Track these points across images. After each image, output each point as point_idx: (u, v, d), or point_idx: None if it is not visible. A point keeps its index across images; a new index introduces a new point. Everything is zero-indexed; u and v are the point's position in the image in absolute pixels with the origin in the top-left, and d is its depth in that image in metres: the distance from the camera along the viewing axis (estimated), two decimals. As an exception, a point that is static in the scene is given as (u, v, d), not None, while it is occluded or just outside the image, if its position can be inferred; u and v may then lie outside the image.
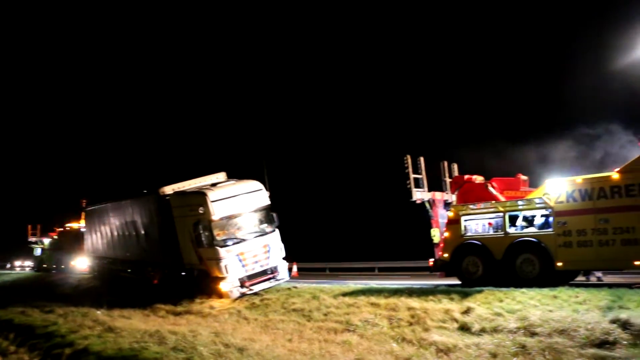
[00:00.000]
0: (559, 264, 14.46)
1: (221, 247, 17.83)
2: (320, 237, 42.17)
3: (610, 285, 13.56)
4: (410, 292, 14.33)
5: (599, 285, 14.22)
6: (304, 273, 30.28)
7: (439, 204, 17.84)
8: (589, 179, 14.37)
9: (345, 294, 15.34)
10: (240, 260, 18.00)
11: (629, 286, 13.45)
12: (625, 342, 8.47)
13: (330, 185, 50.86)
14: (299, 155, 54.81)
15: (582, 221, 14.18)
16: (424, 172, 17.84)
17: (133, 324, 14.59)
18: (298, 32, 78.08)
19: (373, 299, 13.95)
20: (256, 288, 18.12)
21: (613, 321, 9.19)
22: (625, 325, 8.91)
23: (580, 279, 16.70)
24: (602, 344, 8.61)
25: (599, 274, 16.85)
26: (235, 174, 21.25)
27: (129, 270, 24.25)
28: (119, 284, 24.39)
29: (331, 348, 10.51)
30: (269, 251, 18.76)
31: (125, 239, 23.84)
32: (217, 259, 17.72)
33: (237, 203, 18.57)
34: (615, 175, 13.90)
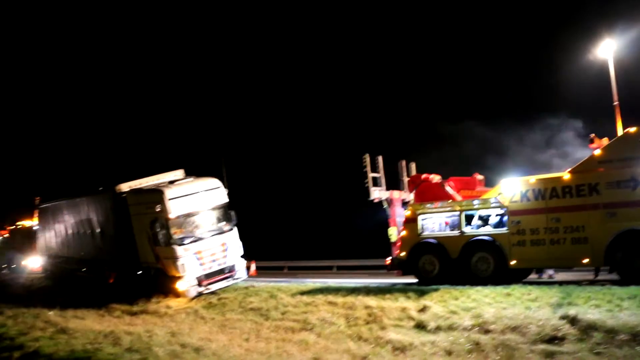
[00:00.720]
0: (513, 262, 14.77)
1: (178, 245, 17.63)
2: (279, 235, 42.06)
3: (560, 283, 13.93)
4: (368, 291, 14.44)
5: (550, 283, 14.59)
6: (262, 272, 30.09)
7: (396, 202, 18.01)
8: (542, 179, 14.72)
9: (303, 293, 15.37)
10: (197, 259, 17.84)
11: (578, 283, 13.86)
12: (573, 338, 8.72)
13: (289, 184, 50.82)
14: (257, 153, 54.61)
15: (535, 220, 14.52)
16: (382, 171, 18.01)
17: (87, 325, 14.34)
18: (257, 30, 77.76)
19: (331, 298, 14.02)
20: (214, 287, 17.99)
21: (562, 317, 9.44)
22: (573, 321, 9.17)
23: (533, 276, 17.10)
24: (552, 339, 8.85)
25: (550, 271, 17.27)
26: (194, 172, 21.09)
27: (84, 270, 23.80)
28: (73, 283, 23.91)
29: (288, 347, 10.52)
30: (227, 250, 18.64)
31: (79, 237, 23.40)
32: (174, 258, 17.53)
33: (195, 201, 18.40)
34: (566, 175, 14.28)
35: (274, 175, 51.93)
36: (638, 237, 13.15)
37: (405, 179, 18.85)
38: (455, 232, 15.93)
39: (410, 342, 9.89)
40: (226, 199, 19.43)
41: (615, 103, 19.98)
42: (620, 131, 18.07)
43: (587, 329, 8.81)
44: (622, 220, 13.36)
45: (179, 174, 20.96)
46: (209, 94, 72.28)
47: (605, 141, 14.77)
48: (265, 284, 18.53)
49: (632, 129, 13.82)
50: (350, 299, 13.58)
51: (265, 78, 72.11)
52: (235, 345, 10.98)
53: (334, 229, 40.85)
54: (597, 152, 14.14)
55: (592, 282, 14.20)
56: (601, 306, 10.23)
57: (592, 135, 15.13)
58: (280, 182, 51.21)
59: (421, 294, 13.36)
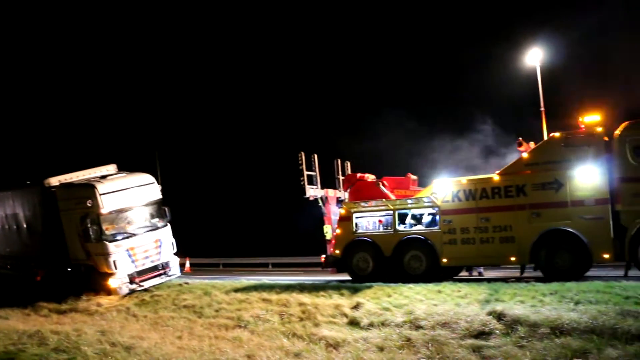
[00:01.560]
0: (444, 260, 15.18)
1: (110, 241, 17.24)
2: (215, 232, 41.67)
3: (489, 280, 14.40)
4: (302, 288, 14.52)
5: (479, 280, 15.05)
6: (196, 269, 29.86)
7: (331, 201, 18.19)
8: (473, 180, 15.19)
9: (237, 290, 15.32)
10: (130, 256, 17.51)
11: (505, 280, 14.38)
12: (499, 332, 9.05)
13: (224, 180, 50.36)
14: (192, 149, 53.82)
15: (466, 220, 14.97)
16: (317, 169, 18.12)
17: (10, 325, 13.83)
18: (192, 23, 76.59)
19: (265, 295, 14.02)
20: (146, 284, 17.69)
21: (490, 313, 9.78)
22: (500, 316, 9.52)
23: (464, 274, 17.62)
24: (480, 334, 9.15)
25: (480, 269, 17.85)
26: (127, 167, 20.63)
27: (9, 267, 22.87)
28: (-4, 281, 22.96)
29: (222, 344, 10.46)
30: (160, 246, 18.37)
31: (5, 233, 22.47)
32: (106, 254, 17.14)
33: (127, 196, 18.04)
34: (496, 177, 14.78)
35: (210, 171, 51.32)
36: (560, 237, 13.78)
37: (341, 178, 19.05)
38: (389, 231, 16.22)
39: (343, 338, 10.02)
40: (160, 195, 19.13)
41: (542, 109, 20.80)
42: (545, 136, 18.83)
43: (512, 324, 9.17)
44: (546, 220, 13.96)
45: (111, 168, 20.47)
46: (142, 88, 70.75)
47: (532, 145, 15.38)
48: (200, 281, 18.35)
49: (557, 134, 14.45)
50: (284, 296, 13.62)
51: (201, 73, 71.22)
52: (168, 343, 10.84)
53: (270, 226, 40.79)
54: (524, 155, 14.70)
55: (518, 279, 14.76)
56: (525, 302, 10.68)
57: (520, 139, 15.73)
58: (216, 179, 50.67)
59: (355, 291, 13.54)
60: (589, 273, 14.02)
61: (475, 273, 17.91)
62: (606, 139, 13.86)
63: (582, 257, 13.60)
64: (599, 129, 13.85)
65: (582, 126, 14.16)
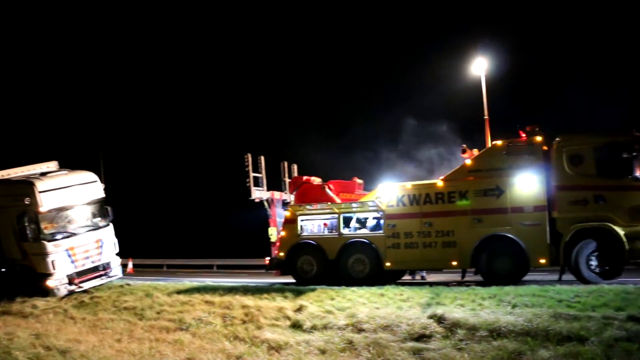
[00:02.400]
0: (388, 264, 15.35)
1: (48, 241, 16.70)
2: (158, 233, 41.06)
3: (431, 284, 14.65)
4: (246, 290, 14.42)
5: (421, 284, 15.29)
6: (139, 270, 29.34)
7: (277, 203, 18.19)
8: (417, 185, 15.42)
9: (180, 292, 15.10)
10: (69, 256, 17.01)
11: (447, 284, 14.64)
12: (439, 335, 9.19)
13: (170, 181, 49.67)
14: (138, 149, 52.85)
15: (410, 224, 15.18)
16: (263, 171, 18.10)
17: None
18: (139, 24, 75.28)
19: (208, 297, 13.86)
20: (86, 285, 17.22)
21: (430, 316, 9.93)
22: (440, 319, 9.67)
23: (407, 278, 17.86)
24: (420, 337, 9.27)
25: (423, 273, 18.12)
26: (68, 164, 20.06)
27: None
28: None
29: (162, 347, 10.28)
30: (101, 246, 17.93)
31: None
32: (44, 254, 16.60)
33: (68, 195, 17.52)
34: (439, 182, 15.05)
35: (155, 171, 50.52)
36: (500, 242, 14.14)
37: (287, 180, 19.05)
38: (334, 234, 16.31)
39: (285, 341, 9.99)
40: (102, 194, 18.68)
41: (486, 117, 21.29)
42: (489, 143, 19.27)
43: (452, 327, 9.32)
44: (487, 226, 14.29)
45: (52, 165, 19.85)
46: (87, 85, 69.10)
47: (475, 152, 15.73)
48: (142, 282, 17.99)
49: (499, 142, 14.82)
50: (227, 298, 13.50)
51: (150, 73, 70.03)
52: (106, 346, 10.57)
53: (215, 228, 40.44)
54: (468, 162, 15.02)
55: (459, 283, 15.07)
56: (465, 305, 10.90)
57: (464, 145, 16.06)
58: (161, 179, 49.92)
59: (298, 293, 13.55)
60: (526, 277, 14.45)
61: (418, 277, 18.19)
62: (545, 148, 14.31)
63: (520, 261, 13.98)
64: (539, 139, 14.28)
65: (523, 135, 14.59)
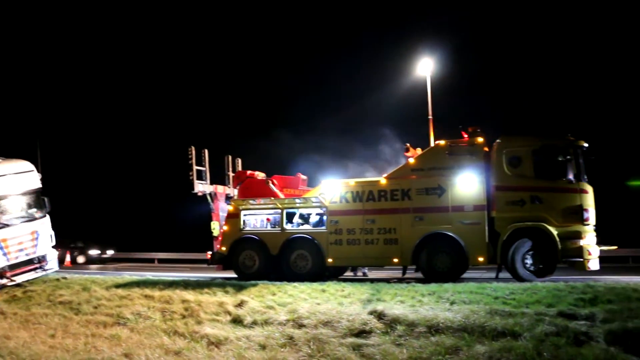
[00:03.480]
0: (330, 260, 15.42)
1: (-21, 232, 16.08)
2: (98, 225, 40.15)
3: (372, 280, 14.80)
4: (186, 285, 14.24)
5: (363, 280, 15.43)
6: (78, 263, 28.61)
7: (220, 197, 17.99)
8: (361, 182, 15.54)
9: (119, 286, 14.76)
10: (1, 248, 16.37)
11: (388, 281, 14.83)
12: (379, 331, 9.28)
13: (111, 172, 48.55)
14: (78, 138, 51.46)
15: (352, 221, 15.29)
16: (207, 165, 17.86)
17: None
18: (81, 13, 73.21)
19: (147, 291, 13.60)
20: (19, 279, 16.58)
21: (371, 313, 10.01)
22: (380, 315, 9.77)
23: (349, 274, 17.99)
24: (360, 333, 9.33)
25: (364, 269, 18.30)
26: (3, 152, 19.33)
27: None
28: None
29: (98, 343, 10.02)
30: (37, 238, 17.33)
31: None
32: (-27, 246, 15.98)
33: (2, 184, 16.89)
34: (383, 180, 15.21)
35: (95, 162, 49.30)
36: (440, 240, 14.41)
37: (231, 174, 18.88)
38: (277, 229, 16.28)
39: (225, 336, 9.90)
40: (39, 184, 18.04)
41: (430, 117, 21.63)
42: (432, 143, 19.60)
43: (391, 323, 9.42)
44: (428, 224, 14.54)
45: (-16, 154, 19.09)
46: (26, 74, 66.77)
47: (418, 151, 15.97)
48: (79, 276, 17.53)
49: (442, 142, 15.09)
50: (167, 292, 13.29)
51: (94, 61, 68.21)
52: (39, 342, 10.20)
53: (157, 221, 39.84)
54: (411, 160, 15.24)
55: (400, 280, 15.28)
56: (405, 302, 11.05)
57: (407, 144, 16.29)
58: (102, 170, 48.76)
59: (240, 288, 13.45)
60: (465, 275, 14.77)
61: (359, 273, 18.35)
62: (486, 149, 14.66)
63: (459, 259, 14.29)
64: (480, 140, 14.61)
65: (465, 136, 14.90)
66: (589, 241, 13.60)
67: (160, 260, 31.13)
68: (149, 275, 17.68)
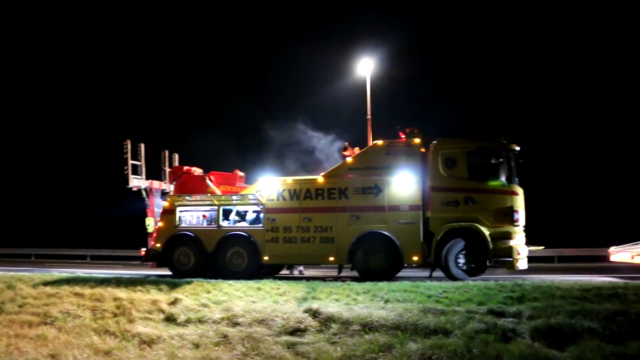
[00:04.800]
0: (266, 257, 15.37)
1: None
2: (27, 220, 38.78)
3: (308, 279, 14.82)
4: (119, 282, 13.86)
5: (298, 279, 15.44)
6: (4, 260, 27.53)
7: (156, 192, 17.62)
8: (298, 180, 15.55)
9: (47, 284, 14.22)
10: None
11: (323, 279, 14.90)
12: (313, 329, 9.30)
13: (42, 166, 46.91)
14: (9, 132, 49.51)
15: (289, 219, 15.28)
16: (143, 159, 17.44)
17: None
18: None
19: (78, 289, 13.16)
20: None
21: (306, 311, 10.02)
22: (315, 314, 9.79)
23: (285, 272, 17.97)
24: (295, 331, 9.33)
25: (301, 267, 18.32)
26: None
27: None
28: None
29: (22, 344, 9.60)
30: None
31: None
32: None
33: None
34: (320, 179, 15.26)
35: (24, 154, 47.52)
36: (375, 239, 14.57)
37: (167, 170, 18.52)
38: (213, 226, 16.11)
39: (158, 335, 9.70)
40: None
41: (369, 117, 21.83)
42: (370, 142, 19.78)
43: (326, 321, 9.46)
44: (364, 223, 14.69)
45: None
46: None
47: (356, 150, 16.09)
48: (4, 273, 16.78)
49: (379, 142, 15.27)
50: (99, 290, 12.91)
51: (24, 52, 65.72)
52: (-47, 345, 9.70)
53: (90, 216, 38.76)
54: (349, 159, 15.35)
55: (335, 279, 15.38)
56: (340, 300, 11.13)
57: (346, 143, 16.38)
58: (31, 163, 47.04)
59: (174, 286, 13.23)
60: (399, 274, 15.00)
61: (296, 272, 18.36)
62: (423, 150, 14.92)
63: (394, 258, 14.49)
64: (417, 140, 14.86)
65: (403, 136, 15.12)
66: (519, 241, 14.06)
67: (93, 257, 30.32)
68: (80, 272, 17.15)
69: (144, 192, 17.39)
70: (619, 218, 30.86)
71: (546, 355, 7.06)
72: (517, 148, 14.50)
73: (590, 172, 36.79)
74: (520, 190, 14.33)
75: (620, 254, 16.16)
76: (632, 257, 15.24)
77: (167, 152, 18.77)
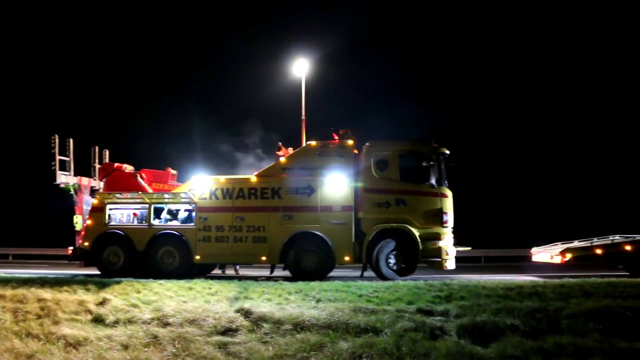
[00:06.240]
0: (198, 257, 15.24)
1: None
2: None
3: (240, 278, 14.80)
4: (44, 282, 13.42)
5: (230, 278, 15.37)
6: None
7: (85, 189, 17.14)
8: (231, 179, 15.50)
9: (-37, 285, 13.60)
10: None
11: (256, 279, 14.91)
12: (245, 329, 9.30)
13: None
14: None
15: (221, 218, 15.21)
16: (72, 155, 16.93)
17: None
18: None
19: (-2, 290, 12.68)
20: None
21: (238, 310, 10.02)
22: (247, 313, 9.80)
23: (217, 272, 17.86)
24: (227, 331, 9.30)
25: (237, 267, 18.25)
26: None
27: None
28: None
29: None
30: None
31: None
32: None
33: None
34: (253, 178, 15.27)
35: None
36: (308, 239, 14.70)
37: (97, 166, 18.04)
38: (143, 225, 15.86)
39: (85, 337, 9.47)
40: None
41: (303, 118, 21.96)
42: (304, 143, 19.91)
43: (258, 321, 9.47)
44: (297, 223, 14.80)
45: None
46: None
47: (290, 150, 16.18)
48: None
49: (313, 143, 15.41)
50: (21, 291, 12.44)
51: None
52: None
53: (13, 213, 37.21)
54: (282, 159, 15.41)
55: (268, 278, 15.43)
56: (272, 300, 11.16)
57: (279, 143, 16.45)
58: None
59: (102, 286, 12.92)
60: (331, 273, 15.17)
61: (229, 271, 18.28)
62: (356, 151, 15.15)
63: (326, 258, 14.65)
64: (350, 142, 15.09)
65: (336, 138, 15.30)
66: (447, 242, 14.49)
67: (16, 257, 29.17)
68: (1, 272, 16.50)
69: (72, 189, 16.87)
70: (541, 221, 32.31)
71: (471, 351, 7.31)
72: (447, 152, 14.93)
73: (514, 178, 38.28)
74: (449, 193, 14.76)
75: (541, 254, 16.92)
76: (552, 257, 15.98)
77: (97, 148, 18.29)
